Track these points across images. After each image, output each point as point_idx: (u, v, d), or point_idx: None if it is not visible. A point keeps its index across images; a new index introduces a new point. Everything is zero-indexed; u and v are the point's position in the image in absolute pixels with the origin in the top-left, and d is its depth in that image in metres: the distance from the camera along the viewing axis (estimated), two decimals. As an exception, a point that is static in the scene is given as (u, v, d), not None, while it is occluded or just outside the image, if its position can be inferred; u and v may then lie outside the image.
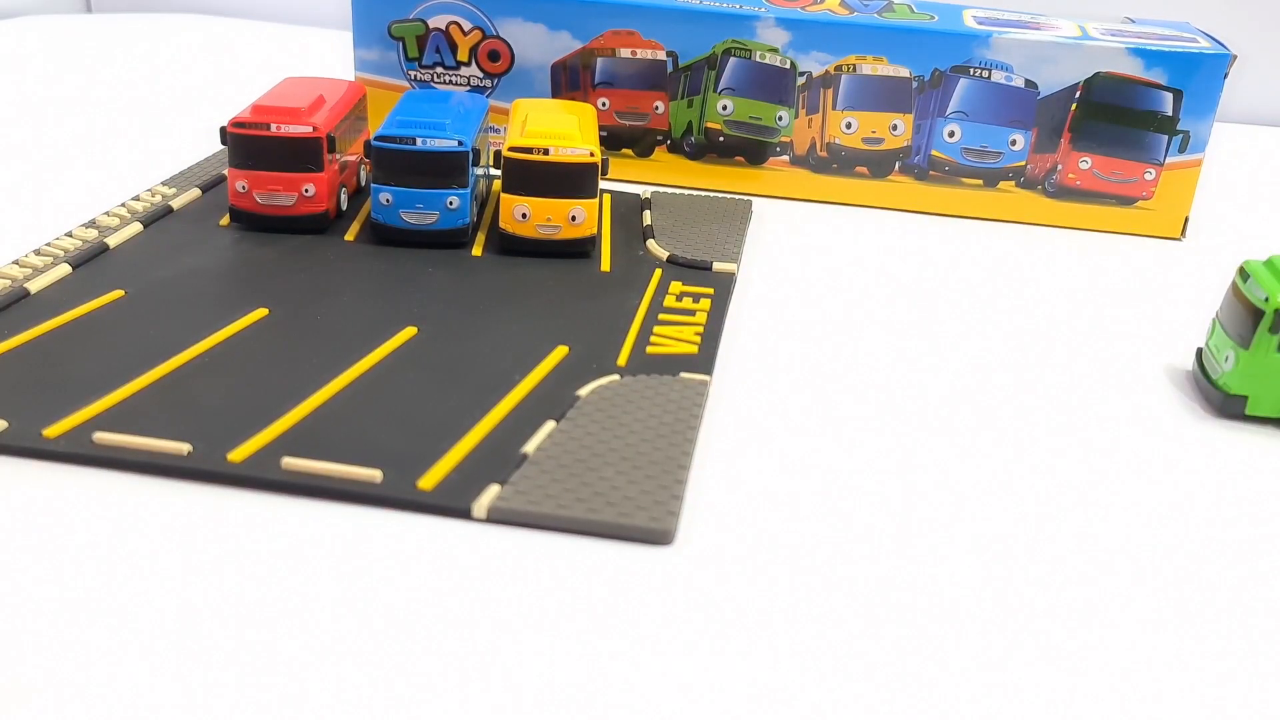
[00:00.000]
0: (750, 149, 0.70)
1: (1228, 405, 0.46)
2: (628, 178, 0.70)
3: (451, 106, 0.60)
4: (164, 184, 0.62)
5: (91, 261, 0.52)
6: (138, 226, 0.56)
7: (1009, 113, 0.67)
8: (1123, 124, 0.66)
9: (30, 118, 0.76)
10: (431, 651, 0.31)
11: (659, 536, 0.36)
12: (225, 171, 0.63)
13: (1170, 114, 0.66)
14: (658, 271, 0.56)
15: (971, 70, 0.67)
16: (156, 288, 0.50)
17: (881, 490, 0.40)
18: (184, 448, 0.39)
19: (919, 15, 0.69)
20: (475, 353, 0.47)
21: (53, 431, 0.39)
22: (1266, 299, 0.44)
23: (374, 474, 0.38)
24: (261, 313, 0.49)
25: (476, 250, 0.57)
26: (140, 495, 0.37)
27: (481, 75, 0.70)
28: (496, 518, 0.37)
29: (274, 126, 0.55)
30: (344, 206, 0.60)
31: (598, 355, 0.47)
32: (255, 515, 0.37)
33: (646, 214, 0.63)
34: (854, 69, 0.67)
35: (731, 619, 0.33)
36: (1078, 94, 0.66)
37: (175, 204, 0.60)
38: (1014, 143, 0.68)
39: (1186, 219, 0.68)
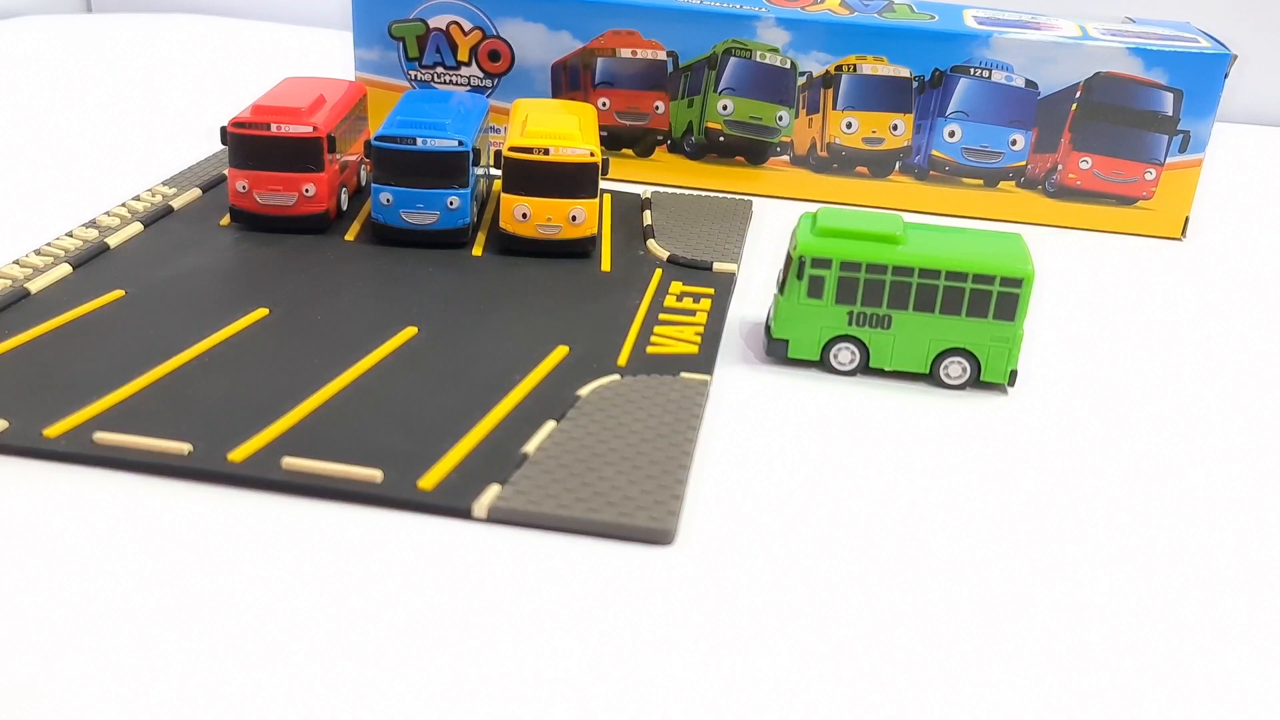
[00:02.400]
0: (750, 149, 0.70)
1: (773, 349, 0.48)
2: (628, 178, 0.70)
3: (451, 106, 0.60)
4: (164, 184, 0.62)
5: (91, 261, 0.52)
6: (138, 226, 0.56)
7: (1009, 113, 0.67)
8: (1123, 124, 0.66)
9: (30, 118, 0.76)
10: (432, 651, 0.31)
11: (659, 536, 0.36)
12: (225, 171, 0.63)
13: (1170, 114, 0.66)
14: (658, 271, 0.56)
15: (972, 70, 0.67)
16: (156, 288, 0.50)
17: (882, 489, 0.40)
18: (184, 448, 0.39)
19: (919, 15, 0.69)
20: (475, 353, 0.47)
21: (53, 431, 0.39)
22: (796, 247, 0.46)
23: (374, 474, 0.38)
24: (261, 313, 0.49)
25: (476, 250, 0.57)
26: (140, 495, 0.37)
27: (482, 75, 0.70)
28: (496, 518, 0.37)
29: (274, 126, 0.55)
30: (344, 206, 0.60)
31: (598, 355, 0.47)
32: (255, 515, 0.37)
33: (647, 214, 0.63)
34: (854, 69, 0.67)
35: (731, 619, 0.33)
36: (1078, 94, 0.66)
37: (175, 204, 0.60)
38: (1014, 143, 0.68)
39: (1187, 219, 0.68)
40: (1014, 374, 0.47)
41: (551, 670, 0.31)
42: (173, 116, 0.78)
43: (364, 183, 0.64)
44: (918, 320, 0.47)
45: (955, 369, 0.47)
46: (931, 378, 0.47)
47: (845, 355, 0.48)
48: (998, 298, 0.46)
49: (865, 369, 0.48)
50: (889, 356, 0.47)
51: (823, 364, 0.48)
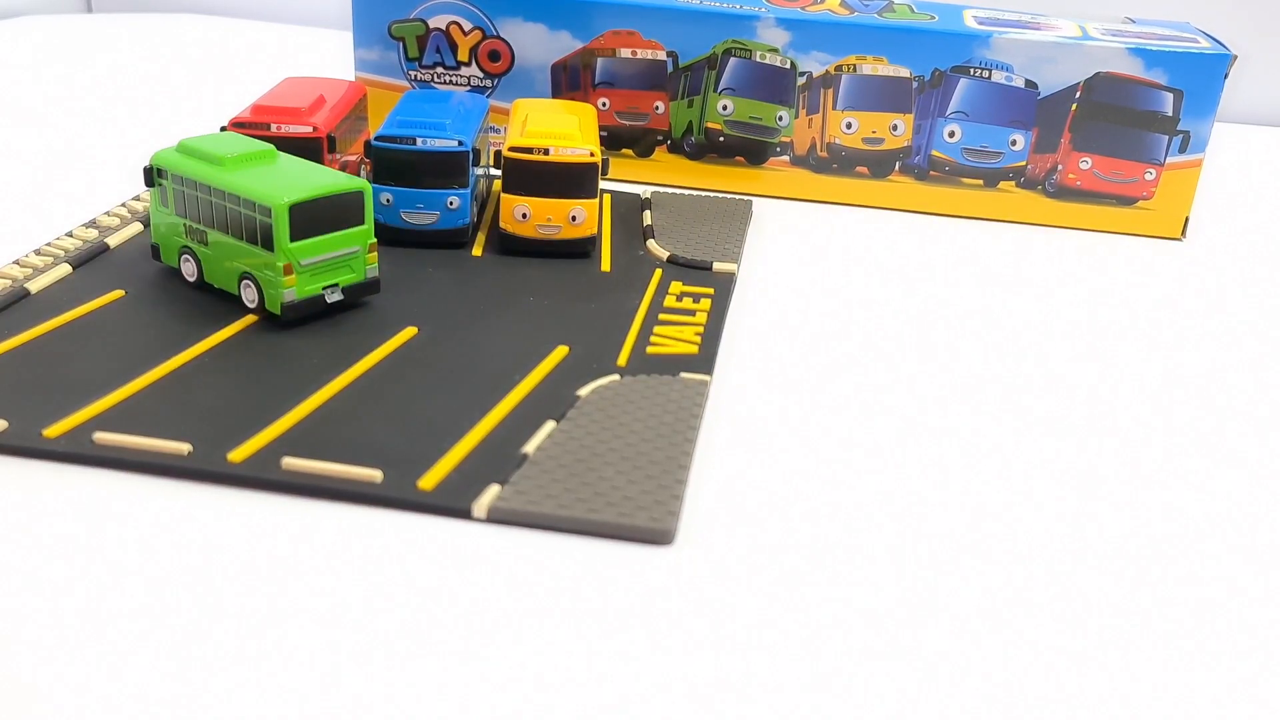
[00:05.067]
0: (750, 149, 0.70)
1: (153, 252, 0.52)
2: (628, 178, 0.70)
3: (451, 106, 0.60)
4: (164, 184, 0.62)
5: (91, 261, 0.52)
6: (138, 226, 0.56)
7: (1009, 113, 0.67)
8: (1123, 124, 0.66)
9: (30, 118, 0.76)
10: (432, 651, 0.31)
11: (659, 536, 0.36)
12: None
13: (1170, 114, 0.66)
14: (658, 271, 0.56)
15: (972, 70, 0.67)
16: (156, 288, 0.50)
17: (881, 490, 0.40)
18: (184, 448, 0.39)
19: (919, 15, 0.69)
20: (475, 353, 0.47)
21: (53, 431, 0.39)
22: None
23: (374, 474, 0.38)
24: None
25: (476, 250, 0.57)
26: (140, 495, 0.37)
27: (481, 75, 0.70)
28: (496, 518, 0.37)
29: (274, 126, 0.55)
30: (344, 206, 0.60)
31: (598, 355, 0.47)
32: (255, 515, 0.37)
33: (646, 214, 0.63)
34: (854, 69, 0.67)
35: (731, 619, 0.33)
36: (1078, 94, 0.66)
37: (175, 204, 0.60)
38: (1014, 143, 0.68)
39: (1186, 219, 0.68)
40: (285, 306, 0.47)
41: (551, 670, 0.31)
42: (173, 116, 0.78)
43: (364, 183, 0.64)
44: (222, 242, 0.48)
45: (249, 293, 0.48)
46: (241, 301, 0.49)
47: (188, 267, 0.50)
48: (261, 226, 0.46)
49: (203, 284, 0.50)
50: (214, 274, 0.49)
51: (182, 274, 0.51)
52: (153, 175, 0.50)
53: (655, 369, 0.46)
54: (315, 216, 0.46)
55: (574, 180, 0.56)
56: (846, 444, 0.43)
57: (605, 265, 0.56)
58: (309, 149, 0.56)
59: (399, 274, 0.54)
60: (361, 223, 0.48)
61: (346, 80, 0.64)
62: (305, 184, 0.47)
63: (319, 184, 0.47)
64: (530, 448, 0.40)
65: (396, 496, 0.37)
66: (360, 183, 0.48)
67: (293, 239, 0.46)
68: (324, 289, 0.48)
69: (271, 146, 0.50)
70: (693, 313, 0.52)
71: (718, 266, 0.57)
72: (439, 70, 0.70)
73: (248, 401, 0.42)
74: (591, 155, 0.55)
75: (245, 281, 0.48)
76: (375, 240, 0.49)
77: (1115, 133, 0.67)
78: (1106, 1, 0.91)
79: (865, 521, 0.38)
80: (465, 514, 0.37)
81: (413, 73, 0.70)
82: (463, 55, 0.69)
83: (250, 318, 0.48)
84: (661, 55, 0.68)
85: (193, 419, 0.40)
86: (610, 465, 0.39)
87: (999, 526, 0.39)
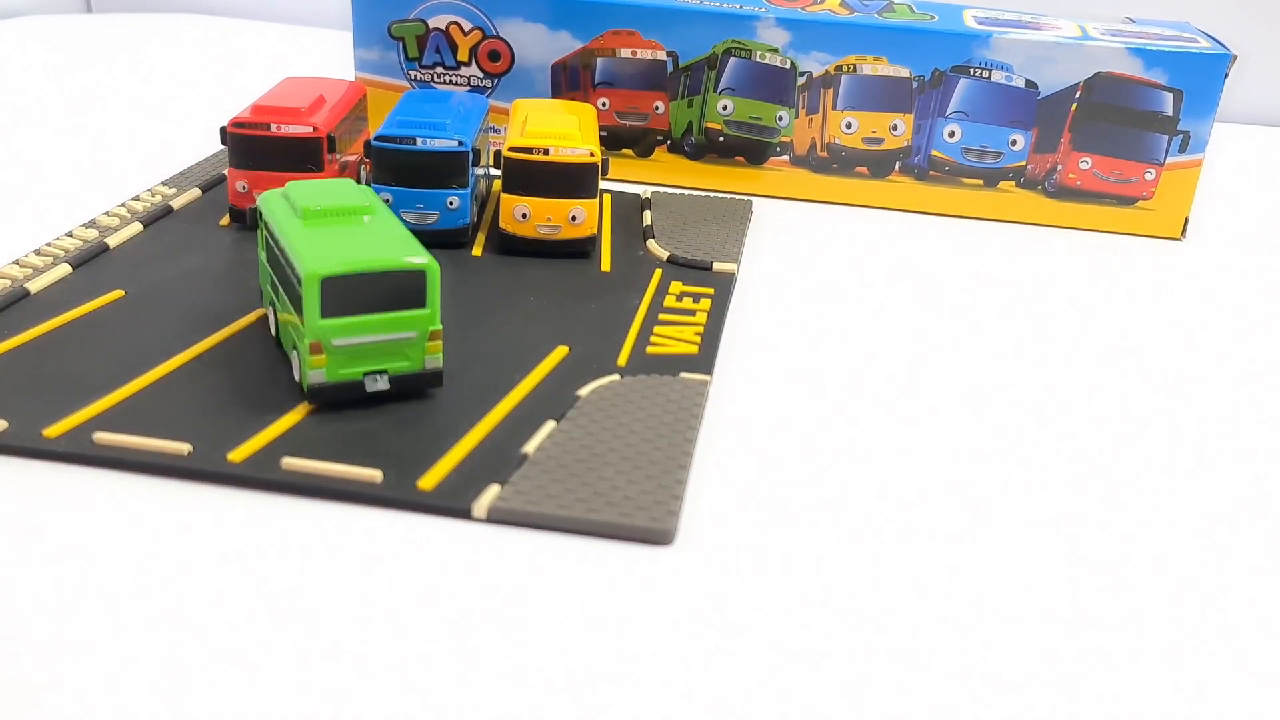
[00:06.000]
0: (750, 149, 0.70)
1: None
2: (628, 178, 0.70)
3: (451, 106, 0.60)
4: (164, 184, 0.62)
5: (91, 261, 0.52)
6: (138, 226, 0.56)
7: (1009, 113, 0.67)
8: (1123, 124, 0.66)
9: (30, 118, 0.76)
10: (432, 651, 0.31)
11: (659, 536, 0.36)
12: (225, 171, 0.63)
13: (1170, 114, 0.66)
14: (658, 271, 0.56)
15: (972, 70, 0.67)
16: (156, 288, 0.50)
17: (881, 489, 0.40)
18: (184, 448, 0.39)
19: (919, 15, 0.69)
20: (475, 353, 0.47)
21: (53, 431, 0.39)
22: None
23: (374, 474, 0.38)
24: (261, 313, 0.49)
25: (476, 250, 0.57)
26: (140, 495, 0.37)
27: (481, 75, 0.70)
28: (496, 518, 0.37)
29: (274, 126, 0.55)
30: (344, 206, 0.60)
31: (598, 355, 0.47)
32: (255, 515, 0.37)
33: (646, 214, 0.63)
34: (854, 69, 0.67)
35: (731, 619, 0.33)
36: (1078, 94, 0.66)
37: (175, 204, 0.60)
38: (1014, 143, 0.68)
39: (1186, 219, 0.68)
40: (311, 389, 0.41)
41: (551, 670, 0.31)
42: (173, 116, 0.78)
43: (364, 183, 0.64)
44: (283, 304, 0.43)
45: (294, 366, 0.43)
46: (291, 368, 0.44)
47: (271, 319, 0.46)
48: (298, 296, 0.41)
49: (278, 342, 0.45)
50: (280, 332, 0.45)
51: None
52: (256, 216, 0.46)
53: (655, 369, 0.46)
54: (358, 293, 0.40)
55: (574, 180, 0.56)
56: (846, 443, 0.43)
57: (605, 265, 0.56)
58: (308, 149, 0.56)
59: (399, 274, 0.54)
60: (422, 306, 0.41)
61: (346, 80, 0.64)
62: (352, 255, 0.40)
63: (369, 257, 0.40)
64: (530, 448, 0.40)
65: (396, 496, 0.37)
66: (426, 262, 0.41)
67: (325, 315, 0.40)
68: (365, 375, 0.41)
69: (374, 203, 0.44)
70: (693, 313, 0.52)
71: (718, 266, 0.57)
72: (439, 70, 0.70)
73: (248, 401, 0.42)
74: (591, 155, 0.55)
75: (294, 351, 0.42)
76: (440, 328, 0.42)
77: (1115, 133, 0.67)
78: (1106, 1, 0.91)
79: (865, 521, 0.38)
80: (465, 514, 0.37)
81: (413, 73, 0.70)
82: (463, 55, 0.69)
83: (250, 317, 0.48)
84: (661, 55, 0.68)
85: (193, 419, 0.40)
86: (610, 465, 0.39)
87: (999, 525, 0.39)
